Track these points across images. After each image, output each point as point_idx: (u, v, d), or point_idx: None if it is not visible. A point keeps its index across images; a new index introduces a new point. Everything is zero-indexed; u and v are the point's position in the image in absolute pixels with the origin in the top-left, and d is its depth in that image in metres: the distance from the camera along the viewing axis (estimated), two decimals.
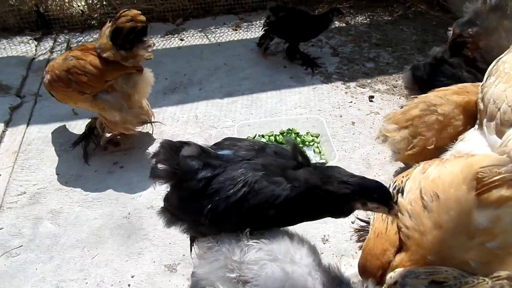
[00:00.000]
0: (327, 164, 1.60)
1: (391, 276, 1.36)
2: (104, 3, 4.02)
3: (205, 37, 3.91)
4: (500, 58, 1.82)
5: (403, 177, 1.75)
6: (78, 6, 4.01)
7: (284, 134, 2.70)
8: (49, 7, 3.88)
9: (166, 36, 3.91)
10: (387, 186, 1.55)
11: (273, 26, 3.42)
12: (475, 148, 1.72)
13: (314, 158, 2.56)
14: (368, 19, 4.15)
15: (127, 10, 2.29)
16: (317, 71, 3.40)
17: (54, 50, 3.65)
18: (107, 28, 2.34)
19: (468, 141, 1.79)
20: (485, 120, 1.74)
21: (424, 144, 1.99)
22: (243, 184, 1.40)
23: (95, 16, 4.00)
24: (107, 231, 2.18)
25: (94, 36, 3.90)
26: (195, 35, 3.94)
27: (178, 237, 2.13)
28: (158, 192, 2.39)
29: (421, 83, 2.38)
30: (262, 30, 3.53)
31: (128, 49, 2.30)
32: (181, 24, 4.10)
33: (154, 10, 4.09)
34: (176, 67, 3.48)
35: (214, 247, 1.49)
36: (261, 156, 1.51)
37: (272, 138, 2.67)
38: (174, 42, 3.84)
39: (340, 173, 1.45)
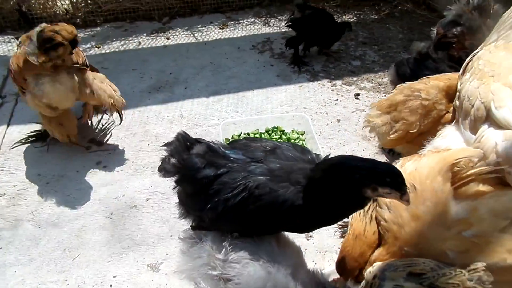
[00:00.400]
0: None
1: (370, 271, 1.36)
2: (89, 1, 3.98)
3: (191, 35, 3.89)
4: (474, 54, 1.83)
5: None
6: (62, 4, 3.96)
7: (270, 132, 2.69)
8: (32, 6, 3.82)
9: (152, 35, 3.88)
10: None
11: (297, 23, 3.36)
12: (452, 144, 1.73)
13: None
14: (355, 18, 4.17)
15: (59, 25, 2.15)
16: (303, 69, 3.40)
17: None
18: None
19: (445, 138, 1.80)
20: (461, 116, 1.74)
21: (407, 129, 2.00)
22: (242, 189, 1.35)
23: (79, 14, 3.95)
24: (89, 231, 2.14)
25: (79, 35, 3.84)
26: (182, 33, 3.92)
27: (161, 236, 2.11)
28: (141, 191, 2.37)
29: (405, 78, 2.39)
30: (286, 26, 3.51)
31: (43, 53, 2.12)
32: (168, 22, 4.07)
33: (140, 8, 4.06)
34: (162, 66, 3.44)
35: (197, 244, 1.48)
36: (271, 158, 1.42)
37: (257, 136, 2.66)
38: (160, 40, 3.81)
39: (347, 158, 1.33)
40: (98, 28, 3.97)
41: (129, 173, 2.49)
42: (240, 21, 4.11)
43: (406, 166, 1.58)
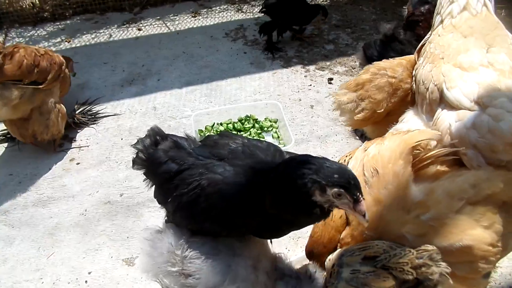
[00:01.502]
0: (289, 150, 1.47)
1: (329, 258, 1.40)
2: None
3: (163, 25, 3.83)
4: (426, 39, 1.85)
5: (346, 156, 1.79)
6: None
7: (243, 121, 2.70)
8: None
9: (123, 26, 3.81)
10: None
11: (273, 8, 3.31)
12: (412, 128, 1.77)
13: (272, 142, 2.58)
14: (328, 0, 4.15)
15: None
16: (277, 56, 3.39)
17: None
18: None
19: (406, 122, 1.83)
20: (418, 100, 1.77)
21: (374, 108, 1.99)
22: (196, 185, 1.36)
23: (47, 8, 3.84)
24: (63, 229, 2.15)
25: (47, 29, 3.77)
26: (154, 23, 3.85)
27: (136, 230, 2.13)
28: (115, 187, 2.38)
29: (373, 61, 2.39)
30: (261, 12, 3.44)
31: None
32: (139, 13, 3.99)
33: None
34: (134, 58, 3.40)
35: (158, 242, 1.50)
36: (235, 157, 1.40)
37: (230, 125, 2.67)
38: (131, 32, 3.74)
39: (298, 156, 1.25)
40: (68, 21, 3.88)
41: (103, 169, 2.49)
42: (213, 8, 4.05)
43: (369, 150, 1.60)
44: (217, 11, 4.02)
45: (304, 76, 3.17)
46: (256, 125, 2.68)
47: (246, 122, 2.69)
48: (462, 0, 1.75)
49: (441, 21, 1.79)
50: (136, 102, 2.97)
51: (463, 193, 1.41)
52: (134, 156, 1.55)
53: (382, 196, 1.45)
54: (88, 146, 2.64)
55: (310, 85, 3.08)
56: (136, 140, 1.54)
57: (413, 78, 1.84)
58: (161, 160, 1.46)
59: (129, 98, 3.01)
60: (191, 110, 2.88)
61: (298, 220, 1.30)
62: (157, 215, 2.18)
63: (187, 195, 1.39)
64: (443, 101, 1.59)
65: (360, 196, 1.12)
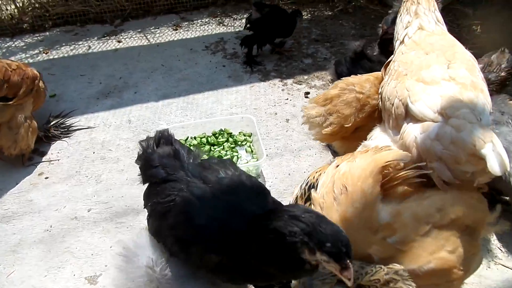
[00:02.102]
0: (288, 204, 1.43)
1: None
2: (36, 5, 3.85)
3: (144, 38, 3.83)
4: (390, 59, 1.89)
5: (316, 172, 1.77)
6: (7, 10, 3.82)
7: (217, 135, 2.68)
8: None
9: (103, 38, 3.80)
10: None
11: (257, 24, 3.32)
12: (381, 145, 1.77)
13: (246, 157, 2.56)
14: (309, 15, 4.19)
15: None
16: (256, 69, 3.40)
17: None
18: None
19: (375, 139, 1.84)
20: (385, 117, 1.78)
21: (342, 122, 2.02)
22: (171, 199, 1.39)
23: (27, 19, 3.83)
24: (26, 246, 2.09)
25: (26, 40, 3.75)
26: (134, 36, 3.85)
27: (101, 247, 2.08)
28: (83, 201, 2.33)
29: (343, 77, 2.42)
30: (245, 29, 3.44)
31: None
32: (120, 25, 3.99)
33: (90, 11, 3.96)
34: (112, 70, 3.38)
35: (134, 258, 1.48)
36: (220, 185, 1.38)
37: (204, 139, 2.65)
38: (111, 44, 3.73)
39: (288, 209, 1.20)
40: (47, 33, 3.86)
41: (72, 183, 2.44)
42: (194, 22, 4.07)
43: (341, 167, 1.59)
44: (198, 24, 4.04)
45: (282, 90, 3.18)
46: (230, 139, 2.66)
47: (220, 136, 2.67)
48: (415, 24, 1.81)
49: (402, 42, 1.84)
50: (110, 115, 2.94)
51: (429, 217, 1.41)
52: (139, 152, 1.66)
53: (350, 215, 1.43)
54: (58, 159, 2.60)
55: (287, 98, 3.09)
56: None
57: (379, 96, 1.86)
58: (153, 163, 1.53)
59: (104, 111, 2.98)
60: (166, 123, 2.86)
61: (281, 273, 1.25)
62: (124, 231, 2.14)
63: (161, 205, 1.42)
64: (408, 115, 1.61)
65: (349, 263, 1.11)
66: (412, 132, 1.55)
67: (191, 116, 2.93)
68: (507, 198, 2.05)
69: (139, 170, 1.68)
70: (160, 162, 1.50)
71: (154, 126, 2.84)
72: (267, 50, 3.62)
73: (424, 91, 1.58)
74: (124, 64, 3.46)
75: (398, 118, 1.64)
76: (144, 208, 1.62)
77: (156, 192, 1.48)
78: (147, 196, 1.57)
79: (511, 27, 3.84)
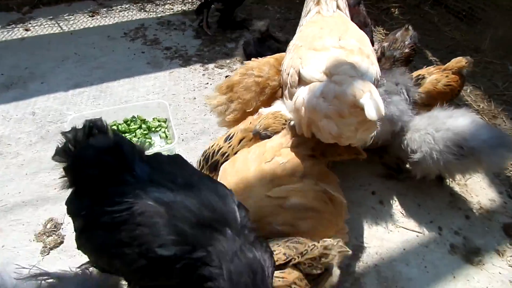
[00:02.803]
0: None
1: None
2: None
3: (56, 25, 3.56)
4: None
5: (216, 144, 1.77)
6: None
7: (128, 122, 2.54)
8: None
9: (8, 27, 3.48)
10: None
11: None
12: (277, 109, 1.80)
13: (160, 143, 2.46)
14: None
15: None
16: (177, 55, 3.28)
17: None
18: None
19: (273, 106, 1.86)
20: (284, 89, 1.79)
21: (243, 108, 2.00)
22: (124, 208, 1.13)
23: None
24: None
25: None
26: (45, 24, 3.57)
27: None
28: None
29: (251, 58, 2.38)
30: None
31: None
32: (29, 12, 3.69)
33: None
34: (16, 61, 3.10)
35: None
36: (177, 192, 1.16)
37: (114, 127, 2.50)
38: (17, 33, 3.43)
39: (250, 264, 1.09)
40: None
41: None
42: (113, 8, 3.86)
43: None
44: (117, 11, 3.83)
45: (202, 75, 3.09)
46: (144, 126, 2.54)
47: (132, 123, 2.54)
48: (314, 10, 1.84)
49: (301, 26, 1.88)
50: (12, 107, 2.69)
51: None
52: (60, 145, 1.26)
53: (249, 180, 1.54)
54: None
55: (207, 83, 3.00)
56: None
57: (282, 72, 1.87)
58: (89, 160, 1.21)
59: (4, 103, 2.72)
60: (75, 113, 2.67)
61: None
62: (19, 228, 1.95)
63: (108, 216, 1.13)
64: (301, 82, 1.61)
65: None
66: (301, 94, 1.57)
67: (104, 105, 2.76)
68: (409, 166, 2.12)
69: (63, 170, 1.29)
70: (100, 159, 1.21)
71: (62, 117, 2.64)
72: (190, 36, 3.51)
73: (314, 56, 1.61)
74: (31, 53, 3.19)
75: (293, 86, 1.64)
76: (70, 217, 1.31)
77: (95, 198, 1.20)
78: (79, 202, 1.26)
79: (423, 9, 4.03)
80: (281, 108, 1.79)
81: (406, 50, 2.48)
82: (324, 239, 1.39)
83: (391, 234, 1.97)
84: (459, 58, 2.34)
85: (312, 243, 1.37)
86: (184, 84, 2.98)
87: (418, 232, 1.99)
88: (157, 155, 1.36)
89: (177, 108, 2.74)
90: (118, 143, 1.25)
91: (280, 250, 1.35)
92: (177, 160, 1.35)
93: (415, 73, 2.34)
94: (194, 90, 2.93)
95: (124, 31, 3.54)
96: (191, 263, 1.09)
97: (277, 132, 1.71)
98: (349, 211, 2.03)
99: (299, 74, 1.61)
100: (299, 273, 1.33)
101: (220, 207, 1.17)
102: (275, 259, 1.27)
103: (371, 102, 1.21)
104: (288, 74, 1.67)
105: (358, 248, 1.91)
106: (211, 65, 3.19)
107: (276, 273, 1.28)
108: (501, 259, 1.90)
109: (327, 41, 1.67)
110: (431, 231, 1.99)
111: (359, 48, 1.62)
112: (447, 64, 2.35)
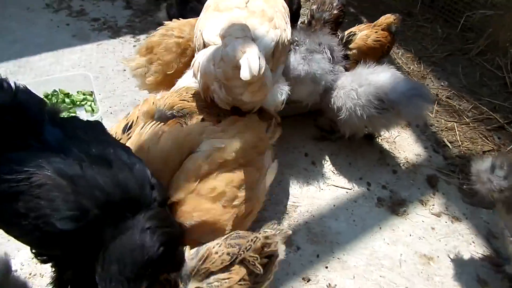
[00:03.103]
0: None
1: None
2: None
3: None
4: None
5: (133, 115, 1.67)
6: None
7: (49, 96, 2.36)
8: None
9: None
10: None
11: None
12: (185, 82, 1.73)
13: (86, 117, 2.31)
14: None
15: None
16: (105, 27, 3.08)
17: None
18: None
19: (183, 77, 1.80)
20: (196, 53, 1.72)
21: (164, 70, 1.92)
22: (22, 178, 1.02)
23: None
24: None
25: None
26: None
27: None
28: None
29: None
30: None
31: None
32: None
33: None
34: None
35: None
36: (90, 166, 1.07)
37: None
38: None
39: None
40: None
41: None
42: None
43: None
44: None
45: (133, 46, 2.93)
46: (67, 100, 2.37)
47: (53, 98, 2.36)
48: None
49: None
50: None
51: (197, 170, 1.35)
52: None
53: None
54: None
55: None
56: None
57: None
58: None
59: None
60: None
61: None
62: None
63: (6, 184, 1.02)
64: (206, 45, 1.54)
65: None
66: (198, 58, 1.52)
67: (22, 80, 2.51)
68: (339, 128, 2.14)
69: None
70: None
71: None
72: (120, 6, 3.31)
73: (217, 18, 1.55)
74: None
75: (198, 49, 1.58)
76: None
77: None
78: None
79: None
80: (188, 75, 1.73)
81: (335, 12, 2.47)
82: (265, 230, 1.36)
83: (322, 192, 2.00)
84: (388, 15, 2.37)
85: (254, 235, 1.31)
86: (113, 56, 2.81)
87: (348, 189, 2.04)
88: (74, 119, 1.25)
89: (106, 81, 2.59)
90: (22, 102, 1.11)
91: (223, 250, 1.28)
92: (95, 127, 1.24)
93: (347, 31, 2.35)
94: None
95: (46, 2, 3.27)
96: (87, 241, 1.05)
97: (189, 111, 1.55)
98: (282, 173, 2.05)
99: (202, 37, 1.55)
100: (246, 269, 1.28)
101: (134, 190, 1.10)
102: (219, 261, 1.22)
103: (246, 62, 1.17)
104: (195, 37, 1.62)
105: (289, 208, 1.92)
106: (142, 36, 3.03)
107: (223, 275, 1.23)
108: (424, 208, 1.99)
109: (233, 1, 1.61)
110: (360, 187, 2.05)
111: (262, 10, 1.57)
112: (376, 21, 2.38)
